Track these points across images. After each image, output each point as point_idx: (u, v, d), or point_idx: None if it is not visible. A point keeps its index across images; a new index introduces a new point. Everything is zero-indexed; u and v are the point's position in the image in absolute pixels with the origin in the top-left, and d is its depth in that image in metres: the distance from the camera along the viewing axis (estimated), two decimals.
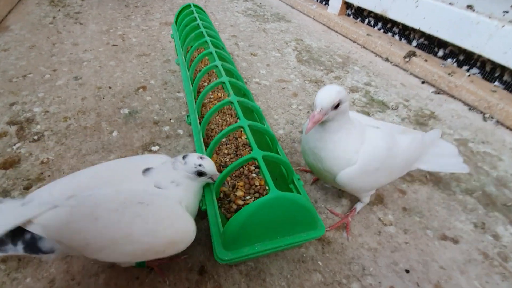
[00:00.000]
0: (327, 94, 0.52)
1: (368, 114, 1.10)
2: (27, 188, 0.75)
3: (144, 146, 0.90)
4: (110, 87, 1.16)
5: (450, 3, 1.26)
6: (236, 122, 0.81)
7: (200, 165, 0.51)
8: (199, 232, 0.67)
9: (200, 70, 1.15)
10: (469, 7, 1.21)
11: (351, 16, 1.83)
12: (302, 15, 2.07)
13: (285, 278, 0.59)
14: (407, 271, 0.62)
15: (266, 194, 0.69)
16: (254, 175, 0.74)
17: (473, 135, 1.02)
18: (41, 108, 1.03)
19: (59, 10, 1.91)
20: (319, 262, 0.62)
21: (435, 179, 0.84)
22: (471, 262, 0.65)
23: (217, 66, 0.80)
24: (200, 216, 0.70)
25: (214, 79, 1.13)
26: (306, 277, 0.59)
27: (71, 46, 1.46)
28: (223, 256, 0.47)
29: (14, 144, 0.87)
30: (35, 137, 0.90)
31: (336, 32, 1.80)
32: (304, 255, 0.63)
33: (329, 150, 0.58)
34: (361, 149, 0.58)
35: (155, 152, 0.88)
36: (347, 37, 1.73)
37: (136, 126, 0.97)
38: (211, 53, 0.88)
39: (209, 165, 0.52)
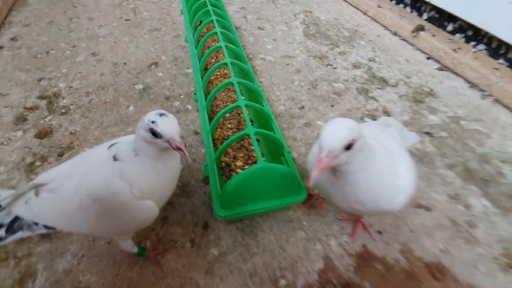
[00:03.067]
0: (336, 133, 0.40)
1: (366, 90, 1.14)
2: (61, 155, 0.88)
3: None
4: (125, 63, 1.25)
5: None
6: None
7: (153, 122, 0.42)
8: (204, 194, 0.79)
9: (208, 47, 1.21)
10: None
11: None
12: None
13: (274, 234, 0.71)
14: (379, 232, 0.72)
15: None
16: (252, 147, 0.83)
17: (467, 112, 1.06)
18: (65, 84, 1.14)
19: None
20: (304, 223, 0.73)
21: (420, 154, 0.91)
22: (439, 228, 0.74)
23: (221, 47, 0.87)
24: (204, 182, 0.82)
25: (221, 56, 1.19)
26: (292, 233, 0.71)
27: (87, 21, 1.53)
28: (220, 213, 0.59)
29: (46, 117, 1.00)
30: (63, 111, 1.03)
31: (347, 2, 1.76)
32: (292, 216, 0.74)
33: (368, 190, 0.47)
34: (399, 171, 0.50)
35: None
36: (357, 8, 1.70)
37: (149, 101, 1.07)
38: (216, 33, 0.94)
39: (165, 124, 0.42)
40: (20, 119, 0.99)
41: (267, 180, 0.58)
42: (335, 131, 0.40)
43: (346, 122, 0.41)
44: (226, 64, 0.81)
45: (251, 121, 0.92)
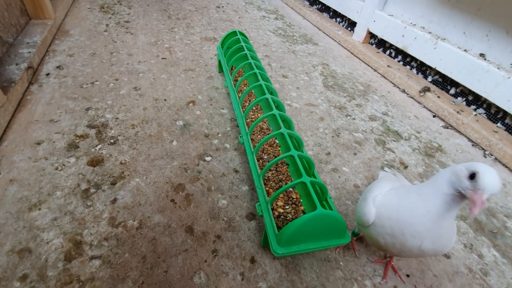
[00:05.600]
0: (497, 179, 0.48)
1: (384, 142, 1.28)
2: (113, 184, 0.95)
3: (199, 156, 1.10)
4: (165, 100, 1.37)
5: (465, 50, 1.43)
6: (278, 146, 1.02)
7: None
8: (248, 230, 0.87)
9: (241, 91, 1.34)
10: (482, 55, 1.38)
11: (374, 45, 2.00)
12: (328, 38, 2.26)
13: (315, 271, 0.78)
14: (407, 275, 0.81)
15: (301, 205, 0.88)
16: (291, 189, 0.93)
17: None
18: (111, 115, 1.24)
19: (110, 17, 2.13)
20: (341, 263, 0.81)
21: None
22: (458, 274, 0.83)
23: (267, 99, 1.00)
24: (248, 218, 0.90)
25: (254, 99, 1.33)
26: (331, 272, 0.79)
27: (126, 56, 1.67)
28: (278, 251, 0.67)
29: (96, 146, 1.08)
30: (112, 141, 1.11)
31: (359, 59, 1.98)
32: (329, 256, 0.82)
33: (451, 226, 0.59)
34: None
35: (208, 162, 1.08)
36: (368, 65, 1.91)
37: (190, 138, 1.17)
38: (260, 85, 1.07)
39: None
40: (72, 146, 1.07)
41: (321, 223, 0.67)
42: (497, 178, 0.47)
43: (495, 171, 0.49)
44: (273, 115, 0.93)
45: (286, 164, 1.02)
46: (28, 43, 1.54)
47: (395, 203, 0.62)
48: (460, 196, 0.53)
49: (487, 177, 0.48)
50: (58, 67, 1.51)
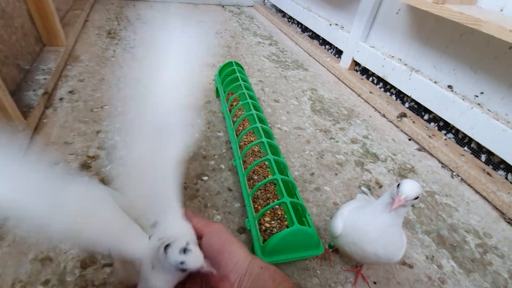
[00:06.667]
0: (414, 187, 0.64)
1: (362, 163, 1.43)
2: None
3: (197, 176, 1.24)
4: None
5: (435, 82, 1.61)
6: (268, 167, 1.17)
7: (182, 263, 0.42)
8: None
9: (237, 116, 1.50)
10: (449, 87, 1.56)
11: (359, 72, 2.19)
12: (318, 64, 2.45)
13: (295, 279, 0.92)
14: (375, 282, 0.94)
15: (285, 220, 1.02)
16: (277, 206, 1.08)
17: (440, 188, 1.35)
18: (120, 137, 1.38)
19: (116, 43, 2.31)
20: (318, 271, 0.95)
21: (405, 221, 1.16)
22: (419, 282, 0.96)
23: (257, 128, 1.16)
24: (239, 232, 1.04)
25: (248, 123, 1.49)
26: (309, 279, 0.92)
27: (133, 82, 1.83)
28: (263, 260, 0.81)
29: (107, 166, 1.23)
30: (121, 161, 1.25)
31: (345, 84, 2.16)
32: (308, 265, 0.96)
33: (398, 234, 0.73)
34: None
35: (205, 181, 1.22)
36: (353, 90, 2.09)
37: (190, 159, 1.32)
38: (253, 114, 1.23)
39: (193, 261, 0.42)
40: (85, 166, 1.21)
41: (298, 237, 0.81)
42: (413, 186, 0.64)
43: (417, 183, 0.66)
44: (262, 143, 1.09)
45: (274, 184, 1.17)
46: (43, 69, 1.70)
47: (356, 216, 0.77)
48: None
49: (405, 185, 0.65)
50: (70, 91, 1.66)
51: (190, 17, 3.05)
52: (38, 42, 1.89)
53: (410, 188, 0.64)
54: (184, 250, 0.43)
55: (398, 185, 0.67)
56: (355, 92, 2.07)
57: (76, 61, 1.99)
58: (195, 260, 0.43)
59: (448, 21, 1.36)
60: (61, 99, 1.60)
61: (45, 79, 1.63)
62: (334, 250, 1.01)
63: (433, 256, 1.05)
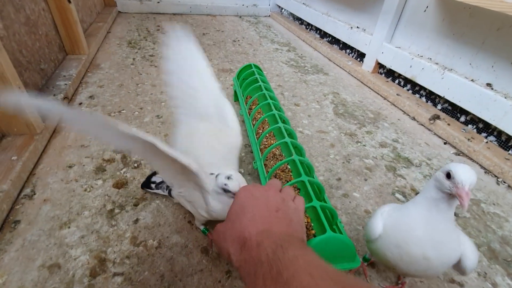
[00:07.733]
0: (471, 170, 0.53)
1: (394, 168, 1.31)
2: (136, 205, 1.02)
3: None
4: None
5: (472, 80, 1.48)
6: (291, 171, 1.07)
7: (225, 184, 0.67)
8: None
9: (256, 119, 1.43)
10: (489, 85, 1.43)
11: (383, 75, 2.08)
12: (339, 68, 2.36)
13: None
14: None
15: (312, 229, 0.92)
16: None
17: (486, 196, 1.20)
18: None
19: (136, 52, 2.33)
20: None
21: None
22: None
23: (280, 128, 1.07)
24: None
25: (267, 126, 1.41)
26: None
27: (150, 87, 1.81)
28: None
29: (121, 169, 1.17)
30: (135, 165, 1.20)
31: (369, 88, 2.05)
32: None
33: (452, 231, 0.60)
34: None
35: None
36: (378, 94, 1.97)
37: None
38: (274, 114, 1.15)
39: (233, 184, 0.66)
40: (100, 169, 1.16)
41: (331, 247, 0.70)
42: (469, 170, 0.53)
43: (467, 166, 0.54)
44: (285, 142, 1.00)
45: (298, 189, 1.07)
46: (64, 76, 1.72)
47: (397, 214, 0.66)
48: (450, 195, 0.56)
49: (460, 172, 0.53)
50: (90, 97, 1.66)
51: (208, 28, 3.07)
52: (61, 51, 1.92)
53: (468, 174, 0.52)
54: (228, 177, 0.68)
55: (448, 174, 0.54)
56: (380, 95, 1.95)
57: (97, 68, 2.01)
58: (235, 184, 0.67)
59: (483, 15, 1.25)
60: (80, 103, 1.59)
61: (65, 84, 1.63)
62: (370, 264, 0.89)
63: (485, 273, 0.90)
